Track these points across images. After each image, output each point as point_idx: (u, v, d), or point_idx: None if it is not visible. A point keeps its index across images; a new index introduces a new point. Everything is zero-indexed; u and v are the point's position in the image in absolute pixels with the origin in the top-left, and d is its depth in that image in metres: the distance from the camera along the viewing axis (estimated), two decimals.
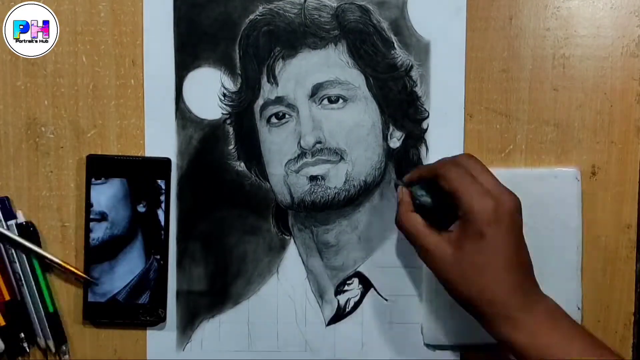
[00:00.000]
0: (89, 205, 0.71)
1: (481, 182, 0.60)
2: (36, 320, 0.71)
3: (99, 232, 0.71)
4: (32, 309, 0.71)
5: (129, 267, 0.71)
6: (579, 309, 0.71)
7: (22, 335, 0.71)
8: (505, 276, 0.59)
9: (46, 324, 0.71)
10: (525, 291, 0.60)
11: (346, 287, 0.73)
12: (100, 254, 0.71)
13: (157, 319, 0.72)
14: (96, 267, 0.71)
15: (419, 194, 0.64)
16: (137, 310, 0.72)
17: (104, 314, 0.72)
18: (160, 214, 0.71)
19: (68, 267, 0.71)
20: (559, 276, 0.70)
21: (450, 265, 0.60)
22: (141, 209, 0.71)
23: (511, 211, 0.60)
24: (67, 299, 0.73)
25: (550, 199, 0.70)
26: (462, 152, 0.71)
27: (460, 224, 0.60)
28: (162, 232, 0.71)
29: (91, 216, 0.71)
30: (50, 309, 0.71)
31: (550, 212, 0.70)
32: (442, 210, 0.63)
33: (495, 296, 0.59)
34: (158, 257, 0.71)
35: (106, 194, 0.71)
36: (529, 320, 0.59)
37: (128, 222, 0.71)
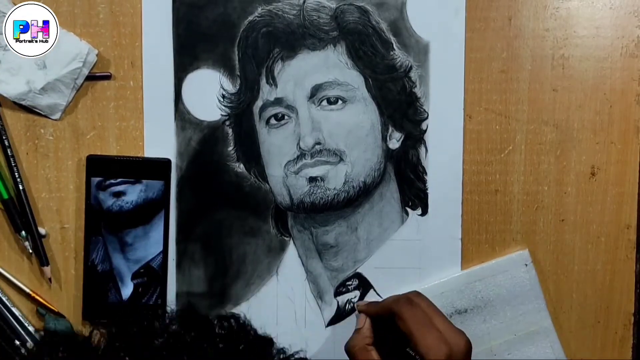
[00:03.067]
0: (89, 206, 0.71)
1: (436, 325, 0.62)
2: None
3: (133, 195, 0.70)
4: None
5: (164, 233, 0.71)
6: None
7: None
8: None
9: None
10: None
11: (346, 288, 0.73)
12: (133, 219, 0.70)
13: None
14: (130, 232, 0.71)
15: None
16: (137, 311, 0.72)
17: (103, 315, 0.72)
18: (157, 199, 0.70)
19: (34, 296, 0.71)
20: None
21: None
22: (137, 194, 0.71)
23: (464, 354, 0.61)
24: (67, 300, 0.73)
25: (503, 292, 0.71)
26: (461, 153, 0.71)
27: None
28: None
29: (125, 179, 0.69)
30: None
31: (507, 304, 0.71)
32: (394, 342, 0.64)
33: None
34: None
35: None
36: None
37: (162, 185, 0.70)
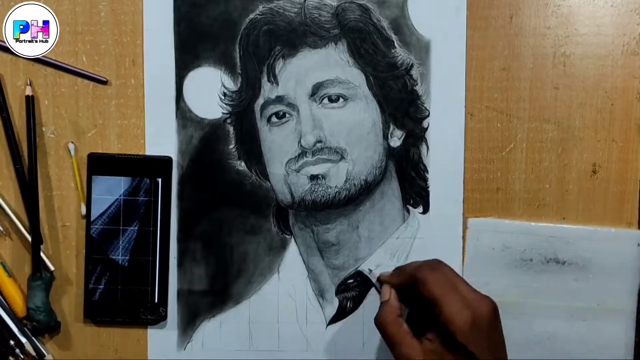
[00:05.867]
0: (89, 204, 0.71)
1: (460, 290, 0.61)
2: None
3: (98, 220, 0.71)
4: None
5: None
6: None
7: None
8: None
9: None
10: None
11: (347, 287, 0.73)
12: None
13: (158, 317, 0.72)
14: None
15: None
16: (138, 309, 0.72)
17: (104, 313, 0.72)
18: (156, 196, 0.71)
19: None
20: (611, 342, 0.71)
21: None
22: (138, 192, 0.71)
23: (490, 320, 0.61)
24: (68, 299, 0.73)
25: (606, 261, 0.71)
26: (462, 151, 0.71)
27: (440, 333, 0.61)
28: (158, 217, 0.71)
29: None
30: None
31: (604, 275, 0.71)
32: (419, 313, 0.64)
33: None
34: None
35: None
36: None
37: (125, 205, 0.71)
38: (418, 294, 0.62)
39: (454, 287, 0.61)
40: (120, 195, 0.71)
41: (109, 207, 0.71)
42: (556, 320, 0.71)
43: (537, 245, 0.71)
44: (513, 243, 0.71)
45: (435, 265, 0.64)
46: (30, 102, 0.70)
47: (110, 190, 0.71)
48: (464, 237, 0.72)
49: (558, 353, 0.71)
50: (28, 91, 0.70)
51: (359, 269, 0.73)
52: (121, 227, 0.71)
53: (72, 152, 0.71)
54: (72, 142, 0.71)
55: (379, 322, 0.65)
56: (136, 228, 0.71)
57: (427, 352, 0.61)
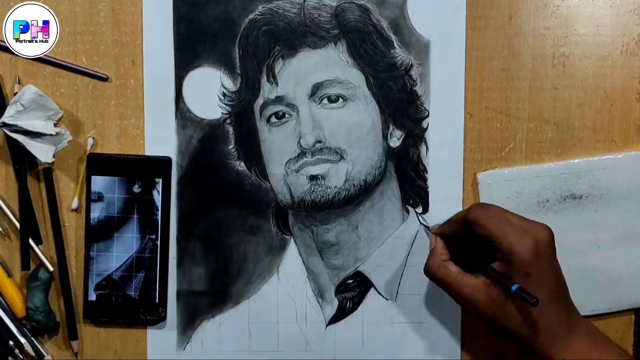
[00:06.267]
0: (89, 205, 0.71)
1: (514, 222, 0.62)
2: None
3: (96, 212, 0.71)
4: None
5: (124, 247, 0.71)
6: None
7: None
8: (551, 307, 0.61)
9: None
10: (569, 315, 0.63)
11: (346, 287, 0.73)
12: (97, 234, 0.71)
13: (157, 318, 0.72)
14: (93, 246, 0.71)
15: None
16: (137, 309, 0.72)
17: (104, 313, 0.72)
18: (155, 195, 0.71)
19: None
20: None
21: (496, 306, 0.61)
22: (137, 189, 0.71)
23: (549, 244, 0.62)
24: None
25: (623, 186, 0.70)
26: (462, 151, 0.71)
27: (501, 264, 0.61)
28: (158, 212, 0.71)
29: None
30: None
31: (624, 200, 0.70)
32: (474, 254, 0.65)
33: (545, 326, 0.61)
34: (153, 237, 0.71)
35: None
36: (574, 341, 0.62)
37: (123, 202, 0.71)
38: (471, 236, 0.63)
39: (507, 220, 0.62)
40: (119, 196, 0.71)
41: (109, 207, 0.71)
42: (585, 256, 0.70)
43: (550, 185, 0.70)
44: (526, 188, 0.71)
45: (483, 204, 0.65)
46: None
47: (109, 190, 0.71)
48: (475, 193, 0.71)
49: (592, 285, 0.70)
50: (17, 89, 0.70)
51: (358, 269, 0.73)
52: (120, 228, 0.71)
53: (89, 147, 0.71)
54: (92, 137, 0.71)
55: (427, 269, 0.66)
56: (98, 244, 0.71)
57: (488, 285, 0.61)
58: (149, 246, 0.71)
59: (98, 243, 0.71)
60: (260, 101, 0.71)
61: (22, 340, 0.71)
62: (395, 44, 0.71)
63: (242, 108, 0.72)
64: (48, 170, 0.71)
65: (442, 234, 0.68)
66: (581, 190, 0.70)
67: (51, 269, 0.71)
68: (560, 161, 0.71)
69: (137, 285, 0.71)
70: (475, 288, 0.62)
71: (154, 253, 0.71)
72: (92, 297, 0.72)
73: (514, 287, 0.58)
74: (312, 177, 0.71)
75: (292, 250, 0.73)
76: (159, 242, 0.71)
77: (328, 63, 0.70)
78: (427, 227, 0.72)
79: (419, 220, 0.72)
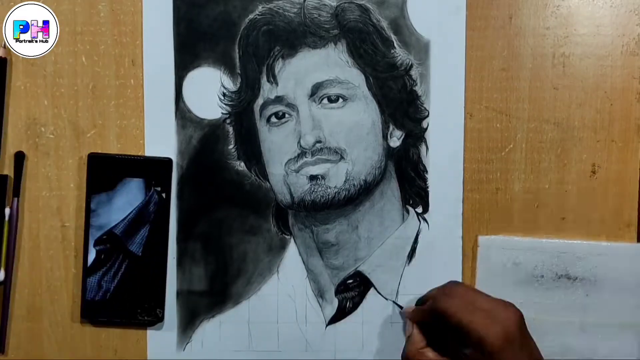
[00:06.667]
0: (89, 205, 0.71)
1: (482, 307, 0.62)
2: None
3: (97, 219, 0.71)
4: None
5: (127, 199, 0.71)
6: None
7: None
8: None
9: None
10: None
11: (346, 287, 0.73)
12: (98, 184, 0.70)
13: (155, 318, 0.72)
14: (94, 197, 0.71)
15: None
16: (135, 310, 0.72)
17: (102, 313, 0.72)
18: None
19: None
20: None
21: None
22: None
23: (519, 327, 0.61)
24: (67, 299, 0.73)
25: (618, 276, 0.71)
26: (462, 151, 0.71)
27: (471, 353, 0.61)
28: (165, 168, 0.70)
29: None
30: None
31: (616, 290, 0.71)
32: (450, 338, 0.64)
33: None
34: (159, 189, 0.70)
35: None
36: None
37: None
38: (443, 323, 0.63)
39: (475, 307, 0.62)
40: (120, 197, 0.71)
41: (110, 208, 0.71)
42: (569, 337, 0.71)
43: (547, 261, 0.71)
44: (524, 260, 0.71)
45: (451, 290, 0.65)
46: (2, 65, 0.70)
47: (110, 191, 0.71)
48: (474, 255, 0.72)
49: None
50: (1, 53, 0.70)
51: (358, 269, 0.73)
52: (120, 228, 0.71)
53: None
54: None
55: (405, 357, 0.66)
56: (99, 196, 0.71)
57: None
58: (154, 199, 0.70)
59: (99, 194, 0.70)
60: (260, 101, 0.71)
61: None
62: (395, 44, 0.71)
63: (242, 108, 0.72)
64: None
65: (413, 320, 0.68)
66: (577, 272, 0.71)
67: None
68: (560, 239, 0.71)
69: (140, 241, 0.71)
70: None
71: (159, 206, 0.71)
72: (92, 256, 0.71)
73: None
74: (312, 177, 0.71)
75: (292, 250, 0.73)
76: (157, 242, 0.71)
77: (328, 63, 0.70)
78: (400, 307, 0.72)
79: (419, 222, 0.72)
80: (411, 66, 0.71)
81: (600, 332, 0.71)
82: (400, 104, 0.71)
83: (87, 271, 0.71)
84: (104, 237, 0.71)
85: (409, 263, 0.72)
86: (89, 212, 0.71)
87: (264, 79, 0.71)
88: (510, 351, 0.60)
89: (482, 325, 0.60)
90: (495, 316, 0.61)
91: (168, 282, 0.72)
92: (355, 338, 0.73)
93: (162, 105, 0.71)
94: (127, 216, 0.70)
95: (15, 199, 0.71)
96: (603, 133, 0.71)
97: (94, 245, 0.71)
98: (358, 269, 0.73)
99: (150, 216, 0.71)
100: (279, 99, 0.71)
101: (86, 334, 0.73)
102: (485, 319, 0.61)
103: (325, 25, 0.70)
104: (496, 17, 0.71)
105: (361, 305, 0.73)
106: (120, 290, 0.71)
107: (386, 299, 0.73)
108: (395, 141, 0.72)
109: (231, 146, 0.72)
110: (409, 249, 0.72)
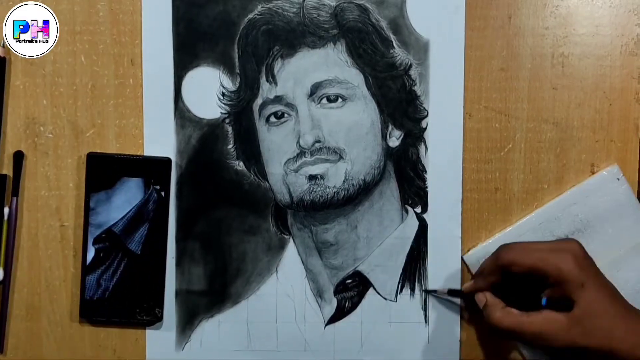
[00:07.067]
0: (87, 204, 0.71)
1: (541, 247, 0.64)
2: None
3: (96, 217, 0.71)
4: None
5: (126, 198, 0.71)
6: None
7: None
8: (619, 308, 0.62)
9: None
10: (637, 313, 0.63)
11: (345, 287, 0.73)
12: (97, 184, 0.70)
13: (154, 318, 0.72)
14: (93, 196, 0.71)
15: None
16: (134, 309, 0.72)
17: (100, 313, 0.72)
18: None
19: None
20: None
21: (571, 331, 0.62)
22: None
23: (584, 252, 0.63)
24: (65, 299, 0.73)
25: (602, 211, 0.71)
26: (461, 151, 0.71)
27: (553, 291, 0.63)
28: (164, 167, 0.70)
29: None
30: None
31: (608, 222, 0.71)
32: (518, 293, 0.65)
33: (626, 329, 0.61)
34: (158, 187, 0.70)
35: None
36: None
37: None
38: (513, 278, 0.64)
39: (537, 249, 0.64)
40: (119, 196, 0.71)
41: (109, 207, 0.71)
42: None
43: (535, 238, 0.71)
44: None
45: (506, 246, 0.66)
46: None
47: (109, 189, 0.71)
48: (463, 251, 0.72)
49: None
50: (1, 52, 0.70)
51: (357, 268, 0.73)
52: (119, 226, 0.71)
53: None
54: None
55: (496, 323, 0.65)
56: (97, 194, 0.71)
57: (551, 315, 0.62)
58: (153, 197, 0.70)
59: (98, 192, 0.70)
60: (259, 101, 0.71)
61: None
62: (394, 44, 0.71)
63: (241, 108, 0.72)
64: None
65: (480, 289, 0.68)
66: (564, 230, 0.71)
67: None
68: (531, 213, 0.72)
69: (139, 239, 0.71)
70: (545, 323, 0.62)
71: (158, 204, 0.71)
72: (91, 254, 0.71)
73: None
74: (311, 177, 0.71)
75: (291, 250, 0.73)
76: (156, 242, 0.71)
77: (327, 63, 0.70)
78: (433, 291, 0.72)
79: (418, 222, 0.72)
80: (410, 66, 0.71)
81: (620, 266, 0.70)
82: (400, 103, 0.71)
83: (86, 270, 0.71)
84: (103, 235, 0.71)
85: (408, 263, 0.72)
86: (87, 212, 0.71)
87: (263, 78, 0.71)
88: (587, 273, 0.62)
89: (553, 259, 0.62)
90: (560, 249, 0.63)
91: (167, 281, 0.72)
92: (354, 338, 0.73)
93: (161, 105, 0.71)
94: (126, 214, 0.70)
95: (14, 198, 0.71)
96: (602, 133, 0.71)
97: (93, 244, 0.71)
98: (357, 268, 0.73)
99: (149, 214, 0.71)
100: (278, 99, 0.71)
101: (85, 333, 0.73)
102: (552, 252, 0.63)
103: (325, 25, 0.70)
104: (495, 17, 0.71)
105: (360, 305, 0.73)
106: (119, 289, 0.71)
107: (385, 299, 0.73)
108: (395, 141, 0.72)
109: (230, 146, 0.72)
110: (408, 248, 0.72)
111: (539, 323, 0.63)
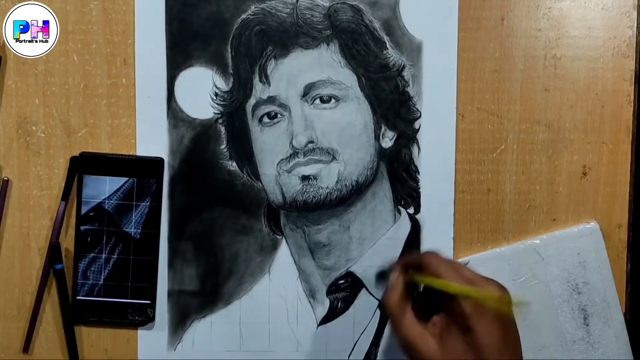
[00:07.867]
0: (79, 204, 0.71)
1: (464, 275, 0.61)
2: None
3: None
4: None
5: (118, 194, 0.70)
6: None
7: None
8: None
9: None
10: None
11: (338, 287, 0.73)
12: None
13: (146, 318, 0.72)
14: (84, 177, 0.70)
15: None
16: (125, 310, 0.72)
17: (92, 313, 0.72)
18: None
19: None
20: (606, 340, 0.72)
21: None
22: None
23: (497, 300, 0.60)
24: (57, 298, 0.72)
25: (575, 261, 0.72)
26: (453, 152, 0.71)
27: (443, 317, 0.61)
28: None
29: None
30: None
31: (578, 276, 0.72)
32: (426, 301, 0.64)
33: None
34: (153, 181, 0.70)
35: None
36: None
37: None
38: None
39: (458, 271, 0.62)
40: (110, 195, 0.71)
41: (100, 206, 0.71)
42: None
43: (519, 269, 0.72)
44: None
45: (436, 256, 0.64)
46: None
47: (100, 190, 0.71)
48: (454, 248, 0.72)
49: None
50: None
51: (350, 269, 0.73)
52: (112, 228, 0.71)
53: None
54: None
55: (383, 304, 0.64)
56: (127, 229, 0.71)
57: (430, 335, 0.61)
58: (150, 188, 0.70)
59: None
60: (252, 101, 0.71)
61: None
62: (387, 45, 0.71)
63: (234, 108, 0.71)
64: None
65: (399, 265, 0.67)
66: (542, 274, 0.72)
67: None
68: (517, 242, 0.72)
69: (138, 220, 0.71)
70: (418, 335, 0.61)
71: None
72: (83, 296, 0.71)
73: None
74: (304, 178, 0.71)
75: (283, 250, 0.73)
76: (148, 242, 0.71)
77: (320, 63, 0.70)
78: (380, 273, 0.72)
79: (410, 223, 0.72)
80: (403, 67, 0.71)
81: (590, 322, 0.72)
82: (393, 104, 0.71)
83: (78, 269, 0.71)
84: (91, 214, 0.70)
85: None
86: (79, 212, 0.71)
87: (256, 79, 0.71)
88: (481, 323, 0.58)
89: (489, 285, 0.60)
90: (476, 284, 0.60)
91: (159, 281, 0.72)
92: (346, 338, 0.73)
93: (154, 105, 0.71)
94: (118, 189, 0.70)
95: None
96: (594, 135, 0.72)
97: (81, 225, 0.70)
98: (349, 269, 0.73)
99: (145, 200, 0.70)
100: (271, 99, 0.71)
101: (77, 333, 0.73)
102: (468, 284, 0.60)
103: (318, 26, 0.70)
104: (488, 18, 0.71)
105: (352, 305, 0.73)
106: (111, 289, 0.71)
107: (377, 299, 0.73)
108: (387, 142, 0.72)
109: (223, 146, 0.72)
110: (400, 249, 0.72)
111: (415, 333, 0.61)
